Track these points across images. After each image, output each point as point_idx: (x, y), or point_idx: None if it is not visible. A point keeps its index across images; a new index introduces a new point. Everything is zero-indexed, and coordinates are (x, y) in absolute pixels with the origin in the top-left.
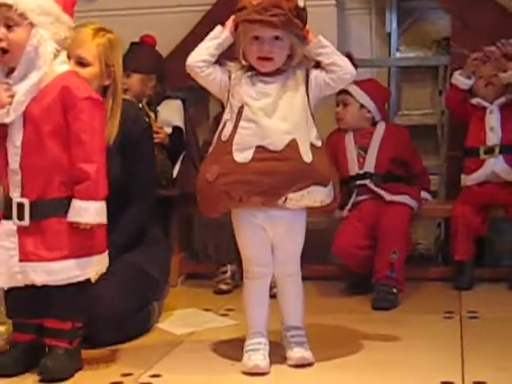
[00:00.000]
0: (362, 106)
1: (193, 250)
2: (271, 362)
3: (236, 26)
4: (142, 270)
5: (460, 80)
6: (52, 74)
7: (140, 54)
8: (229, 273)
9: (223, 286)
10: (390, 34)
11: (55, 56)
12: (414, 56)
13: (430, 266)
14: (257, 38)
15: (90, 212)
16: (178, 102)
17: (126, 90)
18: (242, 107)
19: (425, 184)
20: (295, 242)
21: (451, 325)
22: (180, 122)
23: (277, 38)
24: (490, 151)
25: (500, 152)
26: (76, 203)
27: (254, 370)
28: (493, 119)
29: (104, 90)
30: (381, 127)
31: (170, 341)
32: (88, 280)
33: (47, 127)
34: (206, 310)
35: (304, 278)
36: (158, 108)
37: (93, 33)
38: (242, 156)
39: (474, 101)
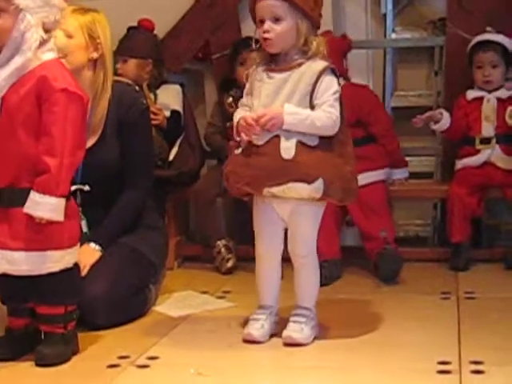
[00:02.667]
0: None
1: (189, 232)
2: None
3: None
4: (138, 252)
5: (439, 128)
6: (36, 61)
7: (136, 39)
8: (223, 249)
9: (228, 264)
10: (385, 15)
11: (42, 43)
12: (410, 37)
13: (427, 247)
14: (261, 21)
15: (44, 206)
16: (177, 87)
17: (120, 75)
18: (252, 105)
19: (393, 155)
20: (306, 224)
21: (448, 305)
22: (178, 106)
23: (277, 19)
24: (486, 142)
25: (496, 142)
26: (33, 195)
27: (246, 338)
28: (489, 108)
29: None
30: None
31: (167, 323)
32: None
33: (20, 116)
34: (203, 292)
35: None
36: (157, 92)
37: (72, 9)
38: (238, 149)
39: (470, 96)
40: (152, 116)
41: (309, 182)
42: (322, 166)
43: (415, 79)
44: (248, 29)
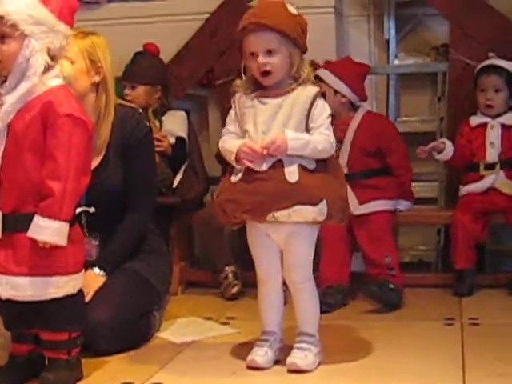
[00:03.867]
0: (335, 91)
1: (193, 258)
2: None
3: (239, 50)
4: (143, 278)
5: (442, 157)
6: (42, 87)
7: (145, 65)
8: (230, 275)
9: (233, 290)
10: (388, 41)
11: (47, 69)
12: (413, 63)
13: (430, 273)
14: (253, 53)
15: (48, 230)
16: (183, 114)
17: (129, 101)
18: (245, 132)
19: (404, 186)
20: (301, 249)
21: (452, 331)
22: (183, 133)
23: (270, 51)
24: (490, 167)
25: (501, 168)
26: (36, 219)
27: (250, 364)
28: (493, 134)
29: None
30: (358, 116)
31: (171, 349)
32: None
33: (27, 141)
34: (207, 318)
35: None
36: (163, 118)
37: (72, 35)
38: (234, 176)
39: (474, 123)
40: (157, 143)
41: (314, 204)
42: (324, 187)
43: (418, 105)
44: None
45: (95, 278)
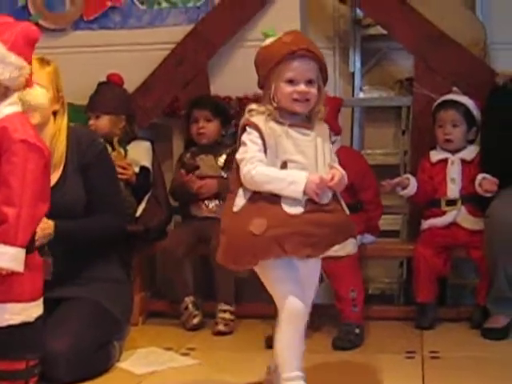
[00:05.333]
0: None
1: (155, 288)
2: None
3: (267, 72)
4: (103, 307)
5: (406, 193)
6: None
7: (109, 95)
8: (190, 305)
9: (194, 320)
10: (353, 74)
11: (1, 98)
12: (377, 96)
13: (392, 306)
14: (291, 81)
15: (4, 256)
16: (147, 143)
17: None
18: (284, 163)
19: (372, 221)
20: (317, 280)
21: (413, 364)
22: (148, 163)
23: (310, 81)
24: (451, 203)
25: (462, 203)
26: None
27: None
28: (454, 170)
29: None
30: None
31: (130, 380)
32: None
33: None
34: (167, 349)
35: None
36: (128, 147)
37: (39, 62)
38: (294, 208)
39: (435, 158)
40: (121, 170)
41: (355, 237)
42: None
43: (382, 138)
44: (216, 85)
45: (44, 223)
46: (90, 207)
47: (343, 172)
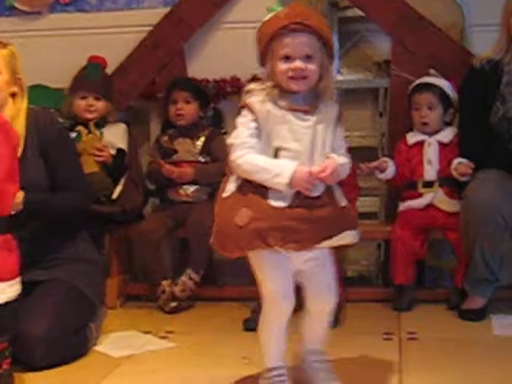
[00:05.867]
0: None
1: (132, 271)
2: None
3: (263, 49)
4: (77, 290)
5: (385, 177)
6: None
7: (104, 78)
8: (167, 288)
9: (173, 304)
10: None
11: None
12: (355, 78)
13: (370, 287)
14: (287, 57)
15: None
16: (123, 126)
17: (92, 111)
18: (277, 150)
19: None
20: (331, 273)
21: (390, 346)
22: (124, 145)
23: (308, 56)
24: (428, 185)
25: (439, 186)
26: None
27: None
28: (431, 152)
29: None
30: None
31: (108, 363)
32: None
33: None
34: (146, 332)
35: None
36: (103, 130)
37: None
38: (279, 201)
39: (411, 141)
40: (97, 153)
41: (355, 228)
42: (353, 209)
43: (360, 120)
44: (193, 69)
45: None
46: (54, 186)
47: (340, 162)
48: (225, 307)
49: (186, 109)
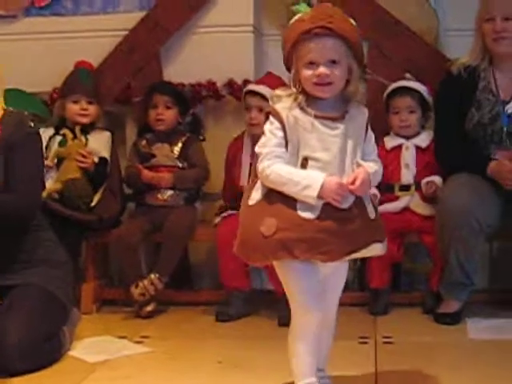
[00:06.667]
0: None
1: (108, 276)
2: None
3: (288, 54)
4: (49, 293)
5: None
6: None
7: (95, 84)
8: (141, 291)
9: (148, 308)
10: None
11: None
12: None
13: (346, 291)
14: (312, 63)
15: None
16: (108, 134)
17: (86, 116)
18: (305, 160)
19: None
20: (343, 283)
21: (366, 350)
22: (107, 154)
23: (334, 61)
24: (405, 189)
25: (416, 189)
26: None
27: None
28: (408, 156)
29: None
30: None
31: (83, 369)
32: None
33: None
34: (121, 337)
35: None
36: (88, 136)
37: None
38: (308, 212)
39: (389, 145)
40: (81, 159)
41: (384, 240)
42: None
43: None
44: (169, 72)
45: None
46: (6, 187)
47: (370, 170)
48: (201, 312)
49: (166, 114)
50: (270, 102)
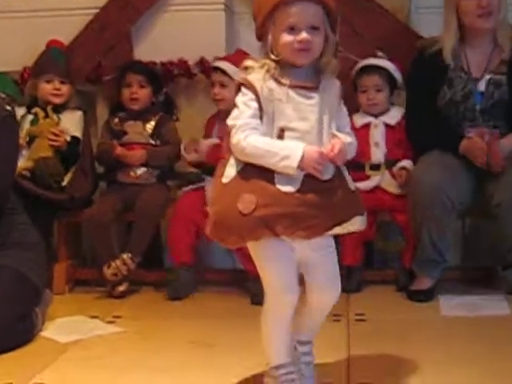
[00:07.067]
0: None
1: (81, 256)
2: None
3: (263, 20)
4: (21, 275)
5: None
6: None
7: (67, 63)
8: (114, 271)
9: (121, 288)
10: None
11: None
12: None
13: None
14: (292, 28)
15: None
16: (80, 113)
17: (59, 95)
18: (282, 131)
19: None
20: (336, 262)
21: (339, 328)
22: (79, 133)
23: (314, 28)
24: (375, 168)
25: (386, 168)
26: None
27: None
28: (377, 134)
29: None
30: None
31: (55, 349)
32: None
33: None
34: (93, 317)
35: None
36: (61, 116)
37: None
38: (287, 185)
39: (358, 123)
40: (53, 137)
41: (363, 214)
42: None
43: None
44: (140, 51)
45: None
46: None
47: (346, 141)
48: None
49: (140, 93)
50: (241, 74)
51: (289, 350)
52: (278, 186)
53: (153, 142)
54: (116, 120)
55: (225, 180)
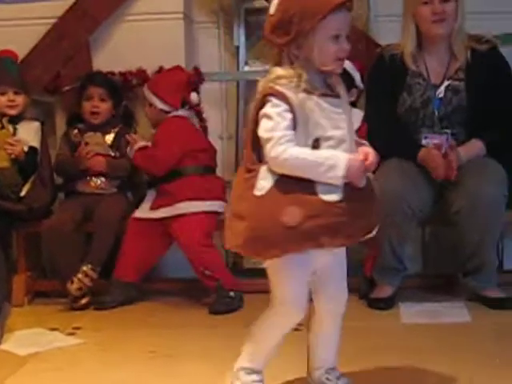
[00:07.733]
0: (150, 104)
1: (40, 268)
2: None
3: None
4: None
5: None
6: None
7: (18, 72)
8: (78, 286)
9: (83, 300)
10: (238, 48)
11: None
12: (262, 69)
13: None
14: (337, 36)
15: None
16: (37, 124)
17: (14, 107)
18: (316, 141)
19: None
20: (344, 267)
21: (300, 337)
22: (36, 143)
23: (347, 36)
24: None
25: None
26: None
27: None
28: None
29: None
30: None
31: (14, 362)
32: None
33: None
34: (53, 329)
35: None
36: (17, 126)
37: None
38: (331, 194)
39: None
40: (9, 147)
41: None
42: None
43: None
44: (99, 61)
45: None
46: None
47: (373, 151)
48: None
49: (102, 107)
50: (269, 82)
51: (267, 361)
52: (321, 196)
53: (112, 154)
54: (75, 131)
55: (258, 193)
